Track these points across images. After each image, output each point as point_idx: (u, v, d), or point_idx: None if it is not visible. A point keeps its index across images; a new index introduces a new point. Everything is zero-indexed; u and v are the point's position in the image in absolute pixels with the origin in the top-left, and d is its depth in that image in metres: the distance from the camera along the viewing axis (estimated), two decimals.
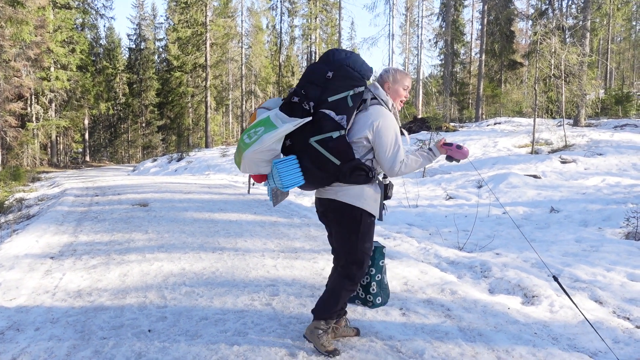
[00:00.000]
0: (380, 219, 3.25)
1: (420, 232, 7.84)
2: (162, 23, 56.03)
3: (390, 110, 3.17)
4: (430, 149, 3.17)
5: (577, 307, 3.34)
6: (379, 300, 3.72)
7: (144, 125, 54.18)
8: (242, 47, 41.26)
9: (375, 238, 6.37)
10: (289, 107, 3.05)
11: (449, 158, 3.20)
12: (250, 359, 3.15)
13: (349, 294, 3.23)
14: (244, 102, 42.92)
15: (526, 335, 3.61)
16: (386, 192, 3.26)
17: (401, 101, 3.28)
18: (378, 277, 3.68)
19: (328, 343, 3.21)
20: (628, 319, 4.22)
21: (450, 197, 11.12)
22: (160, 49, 55.47)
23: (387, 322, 3.79)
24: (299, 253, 5.95)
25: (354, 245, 3.14)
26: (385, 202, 3.31)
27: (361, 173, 3.02)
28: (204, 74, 39.36)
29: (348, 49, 3.20)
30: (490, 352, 3.31)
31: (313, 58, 46.58)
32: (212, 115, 40.53)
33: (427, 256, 6.14)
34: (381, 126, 3.02)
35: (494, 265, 5.45)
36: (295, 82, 49.70)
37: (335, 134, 2.96)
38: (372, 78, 3.30)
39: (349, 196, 3.08)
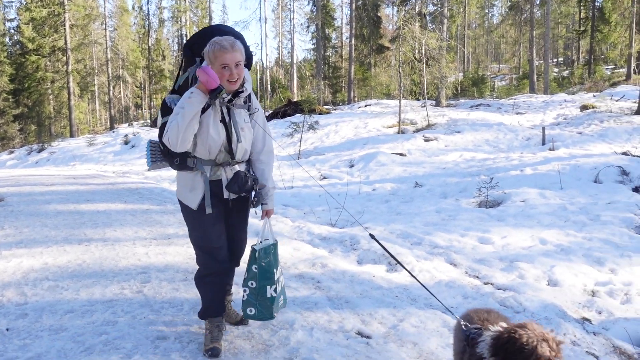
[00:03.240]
0: (205, 211, 2.89)
1: (295, 212, 8.05)
2: (12, 1, 50.87)
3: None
4: (192, 92, 2.72)
5: (412, 274, 3.66)
6: (249, 311, 3.02)
7: None
8: (106, 29, 38.93)
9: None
10: None
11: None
12: (120, 346, 3.09)
13: (202, 283, 3.07)
14: (112, 88, 40.64)
15: (388, 299, 3.91)
16: (226, 185, 2.90)
17: (229, 81, 2.75)
18: (251, 283, 3.00)
19: (206, 342, 3.05)
20: (477, 277, 4.71)
21: (324, 177, 11.48)
22: (12, 30, 50.38)
23: None
24: (172, 239, 5.86)
25: (189, 234, 3.08)
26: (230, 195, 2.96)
27: (170, 159, 2.90)
28: (65, 58, 36.56)
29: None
30: (356, 316, 3.54)
31: (184, 41, 45.17)
32: (76, 102, 37.82)
33: (300, 234, 6.34)
34: None
35: (362, 238, 5.77)
36: (166, 66, 47.94)
37: (164, 120, 2.89)
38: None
39: (177, 186, 3.08)
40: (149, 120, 38.03)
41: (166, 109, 2.90)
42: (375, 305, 3.75)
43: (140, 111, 53.26)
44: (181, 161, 2.87)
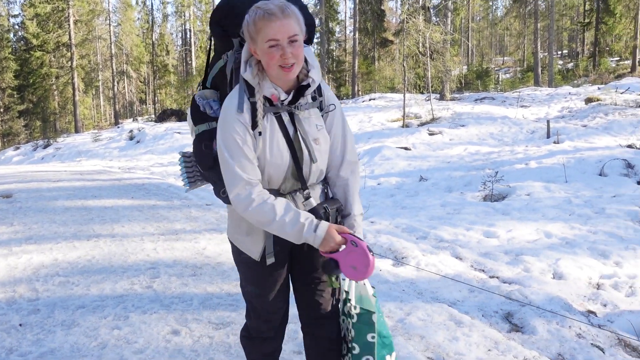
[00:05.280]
0: (265, 262, 1.98)
1: None
2: None
3: (246, 96, 1.83)
4: (317, 225, 1.81)
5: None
6: None
7: (1, 110, 49.34)
8: (110, 25, 38.99)
9: None
10: None
11: (331, 266, 1.84)
12: (132, 341, 3.15)
13: (248, 344, 2.22)
14: (116, 83, 40.75)
15: (395, 293, 3.95)
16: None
17: (282, 67, 1.77)
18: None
19: None
20: (483, 270, 4.75)
21: None
22: (17, 27, 50.49)
23: None
24: (179, 234, 5.92)
25: (240, 283, 2.18)
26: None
27: (215, 188, 2.03)
28: (69, 54, 36.68)
29: None
30: None
31: (188, 36, 45.19)
32: (80, 97, 37.93)
33: None
34: (217, 133, 1.90)
35: (368, 232, 5.81)
36: (170, 61, 47.98)
37: (199, 129, 2.01)
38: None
39: (228, 223, 2.16)
40: (153, 116, 38.12)
41: (199, 115, 2.02)
42: (382, 299, 3.79)
43: (144, 106, 53.38)
44: None
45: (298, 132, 1.89)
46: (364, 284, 1.99)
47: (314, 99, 1.96)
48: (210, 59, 2.11)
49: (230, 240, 2.12)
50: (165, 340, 3.16)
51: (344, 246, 1.80)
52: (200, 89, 2.11)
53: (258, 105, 1.81)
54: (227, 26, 1.97)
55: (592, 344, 3.22)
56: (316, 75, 1.91)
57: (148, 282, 4.26)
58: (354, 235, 1.82)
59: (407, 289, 4.09)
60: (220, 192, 1.98)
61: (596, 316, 3.70)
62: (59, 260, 4.92)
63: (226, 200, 1.95)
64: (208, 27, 2.00)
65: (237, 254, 2.08)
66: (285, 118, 1.89)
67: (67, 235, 5.97)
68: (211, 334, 3.22)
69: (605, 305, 3.90)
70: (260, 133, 1.82)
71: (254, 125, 1.82)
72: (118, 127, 30.89)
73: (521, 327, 3.50)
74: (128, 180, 11.17)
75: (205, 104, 2.01)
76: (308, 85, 1.89)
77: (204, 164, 1.99)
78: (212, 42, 2.12)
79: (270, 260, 1.99)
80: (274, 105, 1.87)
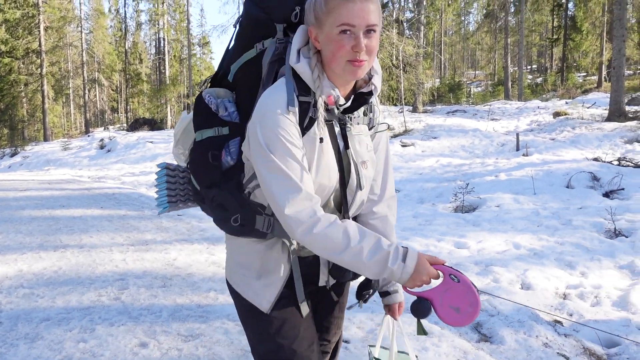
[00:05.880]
0: (280, 313, 1.56)
1: None
2: None
3: (295, 93, 1.38)
4: (405, 253, 1.35)
5: None
6: None
7: None
8: (81, 32, 38.44)
9: None
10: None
11: (426, 307, 1.42)
12: (98, 354, 3.09)
13: None
14: (87, 91, 40.16)
15: (367, 304, 3.95)
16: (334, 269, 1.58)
17: (352, 62, 1.35)
18: None
19: None
20: None
21: None
22: None
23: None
24: (150, 245, 5.84)
25: (250, 345, 1.64)
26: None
27: (220, 213, 1.52)
28: (39, 61, 36.00)
29: None
30: None
31: (162, 45, 44.84)
32: (50, 105, 37.22)
33: None
34: (251, 133, 1.39)
35: None
36: (143, 70, 47.49)
37: (202, 134, 1.56)
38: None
39: (227, 261, 1.68)
40: (125, 124, 37.62)
41: (206, 117, 1.56)
42: (354, 310, 3.80)
43: (116, 115, 52.67)
44: (245, 221, 1.47)
45: (350, 149, 1.50)
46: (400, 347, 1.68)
47: (364, 113, 1.59)
48: (231, 48, 1.63)
49: (230, 286, 1.62)
50: (132, 353, 3.10)
51: (438, 281, 1.40)
52: (208, 86, 1.66)
53: (319, 104, 1.39)
54: (271, 8, 1.51)
55: (558, 353, 3.28)
56: (379, 84, 1.52)
57: (116, 293, 4.18)
58: (452, 268, 1.39)
59: (378, 300, 4.08)
60: (232, 219, 1.48)
61: (562, 326, 3.77)
62: (24, 272, 4.80)
63: (238, 230, 1.50)
64: (242, 7, 1.50)
65: (242, 302, 1.59)
66: (336, 129, 1.49)
67: (33, 245, 5.84)
68: (180, 346, 3.18)
69: (571, 315, 3.98)
70: (322, 139, 1.42)
71: (302, 130, 1.40)
72: (89, 136, 30.39)
73: (490, 337, 3.54)
74: (98, 190, 10.99)
75: (219, 103, 1.56)
76: (370, 93, 1.49)
77: (206, 179, 1.53)
78: (236, 31, 1.61)
79: (305, 310, 1.58)
80: (328, 110, 1.45)
